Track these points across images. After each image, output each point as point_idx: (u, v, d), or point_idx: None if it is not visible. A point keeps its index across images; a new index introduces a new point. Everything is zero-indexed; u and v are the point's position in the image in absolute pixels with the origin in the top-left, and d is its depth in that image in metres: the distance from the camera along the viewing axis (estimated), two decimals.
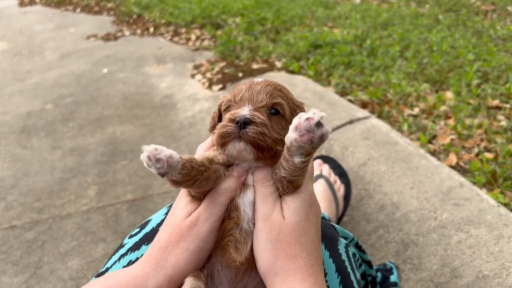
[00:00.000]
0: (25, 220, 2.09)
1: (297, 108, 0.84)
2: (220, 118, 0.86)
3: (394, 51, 3.41)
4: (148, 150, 0.65)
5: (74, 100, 3.35)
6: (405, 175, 1.85)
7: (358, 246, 1.19)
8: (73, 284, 1.71)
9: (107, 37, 5.03)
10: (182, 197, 0.80)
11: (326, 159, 1.90)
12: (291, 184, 0.74)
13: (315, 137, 0.64)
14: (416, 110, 2.55)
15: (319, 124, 0.63)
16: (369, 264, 1.23)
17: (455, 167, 2.01)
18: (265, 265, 0.70)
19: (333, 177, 1.80)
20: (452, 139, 2.22)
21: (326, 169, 1.82)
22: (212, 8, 5.40)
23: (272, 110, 0.78)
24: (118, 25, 5.60)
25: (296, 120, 0.65)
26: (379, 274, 1.48)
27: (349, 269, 0.91)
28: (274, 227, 0.71)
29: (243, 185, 0.79)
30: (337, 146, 2.16)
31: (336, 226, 1.10)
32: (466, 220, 1.57)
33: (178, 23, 5.08)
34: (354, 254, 1.04)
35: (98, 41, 4.96)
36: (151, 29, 5.09)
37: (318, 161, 1.87)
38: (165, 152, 0.66)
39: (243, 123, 0.73)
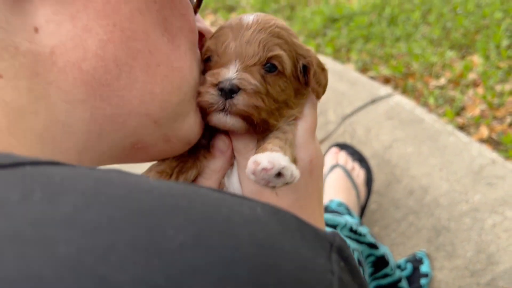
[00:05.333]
0: None
1: (301, 57, 0.66)
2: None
3: (416, 17, 3.25)
4: None
5: None
6: (433, 155, 1.77)
7: (353, 231, 1.15)
8: None
9: None
10: None
11: (342, 146, 1.84)
12: None
13: (277, 185, 0.55)
14: (442, 81, 2.43)
15: (279, 174, 0.54)
16: (370, 245, 1.19)
17: (486, 141, 1.91)
18: None
19: (351, 164, 1.74)
20: (482, 110, 2.10)
21: (342, 157, 1.76)
22: None
23: (267, 65, 0.62)
24: None
25: (250, 165, 0.55)
26: (409, 265, 1.43)
27: None
28: None
29: (230, 161, 0.69)
30: (360, 129, 2.09)
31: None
32: (500, 200, 1.49)
33: None
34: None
35: None
36: None
37: (334, 150, 1.82)
38: None
39: (229, 91, 0.59)
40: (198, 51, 0.66)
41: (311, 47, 0.71)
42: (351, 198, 1.64)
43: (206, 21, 4.52)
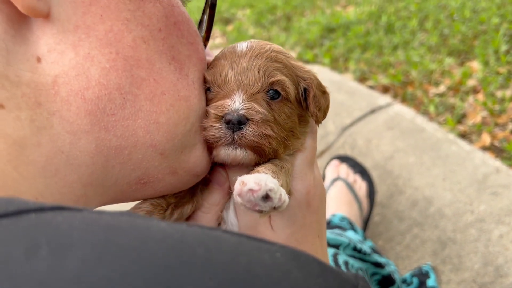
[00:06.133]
0: None
1: (301, 80, 0.64)
2: None
3: (413, 25, 3.24)
4: None
5: None
6: (435, 165, 1.74)
7: (357, 250, 1.12)
8: None
9: None
10: None
11: (343, 159, 1.81)
12: None
13: (264, 208, 0.51)
14: (441, 88, 2.41)
15: (267, 197, 0.50)
16: (375, 264, 1.16)
17: (489, 148, 1.88)
18: None
19: (352, 177, 1.71)
20: (483, 117, 2.07)
21: (343, 170, 1.73)
22: (220, 3, 5.30)
23: (270, 92, 0.61)
24: None
25: (236, 186, 0.51)
26: (415, 279, 1.40)
27: None
28: None
29: (228, 195, 0.67)
30: (361, 140, 2.06)
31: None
32: (506, 210, 1.45)
33: None
34: (346, 262, 0.97)
35: None
36: None
37: (334, 162, 1.78)
38: None
39: (238, 123, 0.57)
40: None
41: (310, 68, 0.68)
42: (353, 212, 1.60)
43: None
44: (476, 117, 2.07)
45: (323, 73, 2.81)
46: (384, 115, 2.12)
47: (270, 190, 0.50)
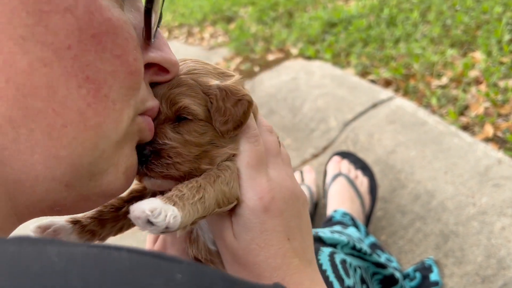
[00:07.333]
0: None
1: (207, 97, 0.63)
2: None
3: (415, 17, 3.21)
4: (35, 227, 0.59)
5: None
6: (437, 158, 1.73)
7: (356, 249, 1.12)
8: None
9: None
10: None
11: (344, 155, 1.81)
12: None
13: (154, 232, 0.52)
14: (444, 80, 2.39)
15: (150, 222, 0.51)
16: (376, 264, 1.17)
17: (492, 139, 1.86)
18: None
19: (354, 172, 1.71)
20: (486, 108, 2.06)
21: (345, 166, 1.73)
22: (222, 2, 5.31)
23: (178, 118, 0.61)
24: None
25: (130, 209, 0.52)
26: (417, 274, 1.40)
27: (331, 278, 0.85)
28: (227, 248, 0.63)
29: None
30: (362, 135, 2.05)
31: (323, 236, 1.04)
32: (508, 202, 1.44)
33: (191, 23, 5.03)
34: (343, 261, 0.97)
35: None
36: (166, 34, 5.07)
37: (336, 158, 1.79)
38: (55, 226, 0.58)
39: (143, 156, 0.59)
40: (145, 91, 0.57)
41: (215, 81, 0.64)
42: (355, 207, 1.60)
43: (205, 33, 4.52)
44: (478, 108, 2.05)
45: (324, 69, 2.80)
46: (386, 109, 2.11)
47: (148, 216, 0.50)
